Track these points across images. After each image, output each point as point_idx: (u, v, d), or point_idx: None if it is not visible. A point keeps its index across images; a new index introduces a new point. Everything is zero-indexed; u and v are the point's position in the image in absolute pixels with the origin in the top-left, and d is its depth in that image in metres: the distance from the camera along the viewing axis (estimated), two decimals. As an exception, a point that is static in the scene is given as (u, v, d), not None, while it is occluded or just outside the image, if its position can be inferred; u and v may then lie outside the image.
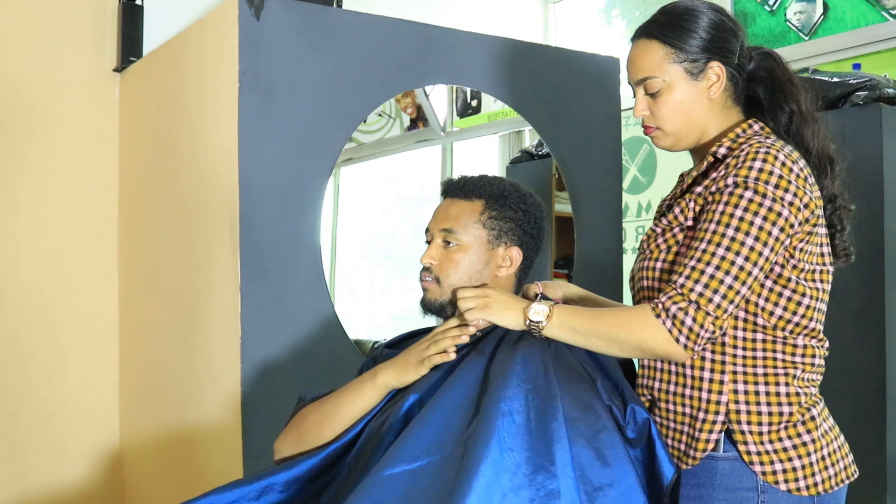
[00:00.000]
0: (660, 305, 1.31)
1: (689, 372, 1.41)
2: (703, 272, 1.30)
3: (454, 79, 2.44)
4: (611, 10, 4.12)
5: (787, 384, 1.38)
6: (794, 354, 1.39)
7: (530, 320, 1.39)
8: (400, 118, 2.92)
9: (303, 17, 2.12)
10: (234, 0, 2.03)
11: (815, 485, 1.36)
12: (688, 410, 1.41)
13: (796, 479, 1.35)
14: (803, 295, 1.38)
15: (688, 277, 1.31)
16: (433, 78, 2.39)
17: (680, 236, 1.42)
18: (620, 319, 1.35)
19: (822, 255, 1.41)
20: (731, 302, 1.31)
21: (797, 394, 1.39)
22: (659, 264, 1.44)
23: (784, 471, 1.35)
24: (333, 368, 2.13)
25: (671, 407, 1.44)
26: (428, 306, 1.57)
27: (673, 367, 1.43)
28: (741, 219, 1.31)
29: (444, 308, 1.55)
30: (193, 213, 2.29)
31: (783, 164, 1.33)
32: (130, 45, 2.76)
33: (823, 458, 1.38)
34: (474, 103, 2.97)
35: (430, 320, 1.61)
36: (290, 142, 2.10)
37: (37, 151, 2.69)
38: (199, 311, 2.26)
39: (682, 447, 1.42)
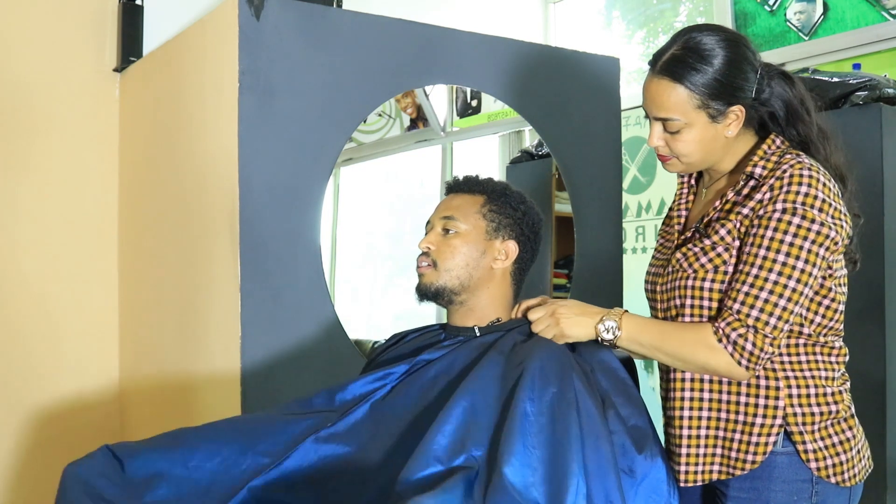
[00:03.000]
0: (720, 331, 1.41)
1: (743, 381, 1.48)
2: (756, 297, 1.40)
3: (454, 79, 2.44)
4: (611, 10, 4.12)
5: (830, 384, 1.49)
6: (830, 355, 1.51)
7: (602, 337, 1.48)
8: (400, 118, 2.92)
9: (303, 17, 2.12)
10: (233, 0, 2.03)
11: (853, 477, 1.49)
12: (742, 417, 1.48)
13: (843, 472, 1.47)
14: (838, 301, 1.50)
15: (742, 303, 1.40)
16: (433, 78, 2.39)
17: (725, 256, 1.48)
18: (685, 340, 1.46)
19: (844, 262, 1.52)
20: (787, 322, 1.41)
21: (840, 392, 1.50)
22: (707, 283, 1.49)
23: (833, 465, 1.46)
24: (333, 368, 2.13)
25: (723, 416, 1.50)
26: (424, 291, 1.59)
27: (724, 378, 1.49)
28: (791, 244, 1.39)
29: (440, 293, 1.57)
30: (193, 213, 2.29)
31: (824, 185, 1.42)
32: (130, 45, 2.76)
33: (859, 452, 1.51)
34: (474, 103, 2.97)
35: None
36: (290, 142, 2.10)
37: (37, 151, 2.69)
38: (199, 310, 2.26)
39: (734, 454, 1.49)
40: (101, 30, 2.79)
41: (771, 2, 3.40)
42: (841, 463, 1.47)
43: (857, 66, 2.88)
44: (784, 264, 1.39)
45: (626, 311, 1.52)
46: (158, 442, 1.52)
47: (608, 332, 1.47)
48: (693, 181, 1.69)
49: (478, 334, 1.58)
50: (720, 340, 1.42)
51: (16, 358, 2.65)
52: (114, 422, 2.80)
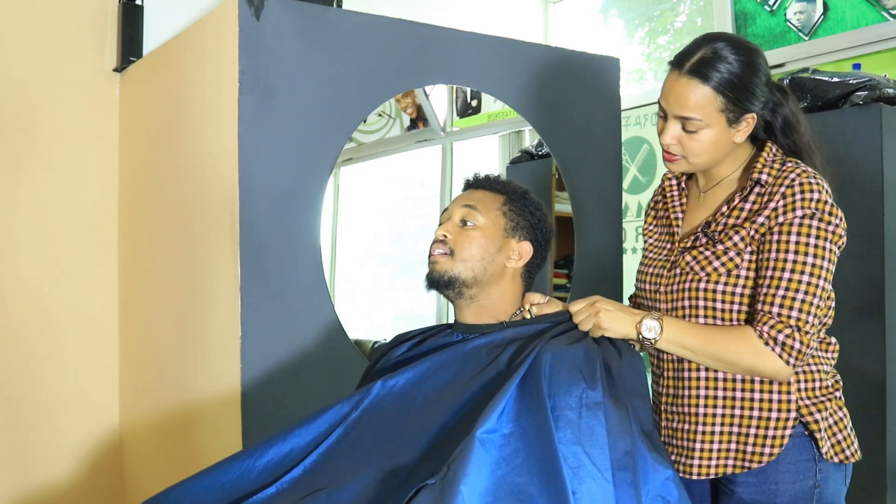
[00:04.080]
0: (765, 335, 1.48)
1: (756, 377, 1.55)
2: (794, 299, 1.48)
3: (454, 79, 2.44)
4: (611, 10, 4.12)
5: (828, 374, 1.60)
6: (827, 351, 1.61)
7: (643, 336, 1.51)
8: (400, 118, 2.92)
9: (303, 17, 2.12)
10: (234, 0, 2.03)
11: (852, 455, 1.58)
12: (757, 413, 1.55)
13: (842, 451, 1.57)
14: (832, 299, 1.58)
15: (781, 306, 1.48)
16: (433, 78, 2.40)
17: (737, 260, 1.55)
18: (729, 344, 1.51)
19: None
20: (818, 318, 1.51)
21: (837, 381, 1.62)
22: (720, 287, 1.56)
23: (832, 445, 1.56)
24: (333, 368, 2.13)
25: (737, 412, 1.56)
26: (436, 279, 1.57)
27: (738, 376, 1.55)
28: (816, 246, 1.48)
29: (452, 283, 1.55)
30: (193, 213, 2.29)
31: (827, 190, 1.53)
32: (130, 45, 2.76)
33: (851, 431, 1.60)
34: (474, 103, 2.97)
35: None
36: (290, 142, 2.10)
37: (37, 151, 2.69)
38: (199, 311, 2.26)
39: (749, 448, 1.55)
40: (101, 30, 2.79)
41: (771, 2, 3.40)
42: (839, 442, 1.57)
43: (857, 66, 2.88)
44: (813, 265, 1.48)
45: (664, 314, 1.58)
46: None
47: (650, 331, 1.51)
48: (684, 184, 1.74)
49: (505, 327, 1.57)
50: (766, 343, 1.47)
51: (16, 358, 2.65)
52: (113, 419, 2.80)
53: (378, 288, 3.16)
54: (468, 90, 2.94)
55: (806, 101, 2.57)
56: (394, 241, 3.21)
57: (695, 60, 1.53)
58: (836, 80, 2.54)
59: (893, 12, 3.06)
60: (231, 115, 2.04)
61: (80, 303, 2.75)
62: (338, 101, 2.17)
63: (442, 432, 1.39)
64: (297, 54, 2.11)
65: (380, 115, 2.84)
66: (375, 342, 2.60)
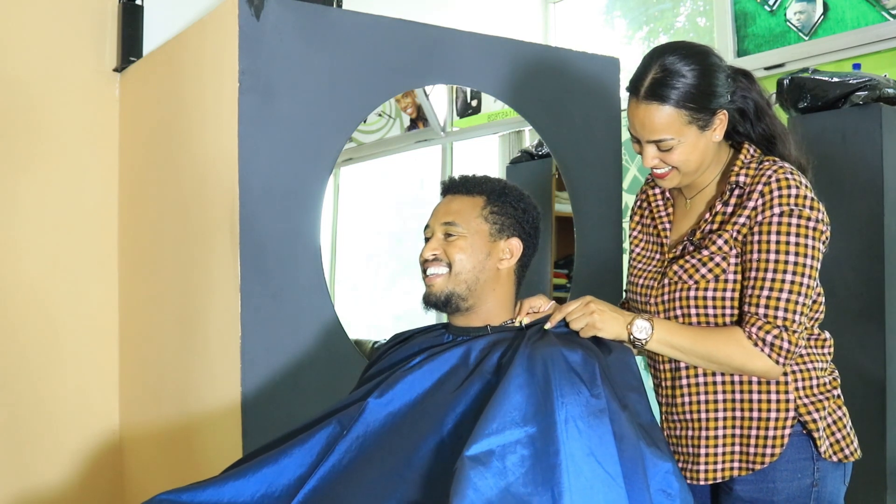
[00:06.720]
0: (753, 336, 1.49)
1: (753, 379, 1.56)
2: (779, 299, 1.48)
3: (454, 79, 2.44)
4: (612, 10, 4.12)
5: (824, 371, 1.59)
6: (823, 347, 1.61)
7: (634, 336, 1.52)
8: (400, 118, 2.92)
9: (303, 17, 2.12)
10: (234, 0, 2.03)
11: (851, 454, 1.59)
12: (756, 413, 1.56)
13: (841, 450, 1.58)
14: (820, 294, 1.59)
15: (767, 307, 1.49)
16: (433, 78, 2.40)
17: (724, 265, 1.55)
18: (719, 345, 1.51)
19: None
20: (805, 315, 1.51)
21: (834, 378, 1.62)
22: (710, 293, 1.56)
23: (831, 444, 1.57)
24: (333, 368, 2.13)
25: (738, 414, 1.57)
26: (433, 300, 1.56)
27: (736, 378, 1.56)
28: (797, 244, 1.48)
29: (449, 300, 1.55)
30: (193, 214, 2.29)
31: (806, 185, 1.52)
32: (130, 45, 2.76)
33: (851, 430, 1.61)
34: (474, 103, 2.97)
35: (430, 315, 1.61)
36: (290, 142, 2.10)
37: (37, 151, 2.69)
38: (199, 311, 2.26)
39: (752, 450, 1.56)
40: (101, 30, 2.79)
41: (771, 2, 3.40)
42: (838, 441, 1.57)
43: (857, 66, 2.88)
44: (795, 263, 1.48)
45: (654, 315, 1.59)
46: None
47: (641, 331, 1.51)
48: (668, 193, 1.74)
49: (489, 332, 1.55)
50: (756, 345, 1.48)
51: (16, 358, 2.65)
52: (113, 419, 2.80)
53: (378, 288, 3.16)
54: (468, 90, 2.94)
55: (806, 101, 2.57)
56: (394, 242, 3.21)
57: (648, 84, 1.52)
58: (836, 80, 2.54)
59: (893, 12, 3.06)
60: (231, 115, 2.04)
61: (80, 303, 2.75)
62: (338, 101, 2.17)
63: (437, 453, 1.36)
64: (297, 54, 2.11)
65: (380, 115, 2.84)
66: (375, 342, 2.60)
